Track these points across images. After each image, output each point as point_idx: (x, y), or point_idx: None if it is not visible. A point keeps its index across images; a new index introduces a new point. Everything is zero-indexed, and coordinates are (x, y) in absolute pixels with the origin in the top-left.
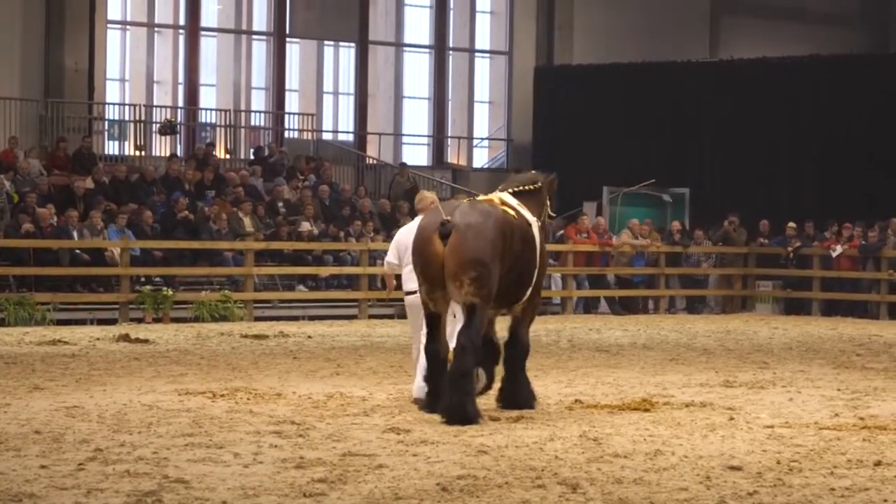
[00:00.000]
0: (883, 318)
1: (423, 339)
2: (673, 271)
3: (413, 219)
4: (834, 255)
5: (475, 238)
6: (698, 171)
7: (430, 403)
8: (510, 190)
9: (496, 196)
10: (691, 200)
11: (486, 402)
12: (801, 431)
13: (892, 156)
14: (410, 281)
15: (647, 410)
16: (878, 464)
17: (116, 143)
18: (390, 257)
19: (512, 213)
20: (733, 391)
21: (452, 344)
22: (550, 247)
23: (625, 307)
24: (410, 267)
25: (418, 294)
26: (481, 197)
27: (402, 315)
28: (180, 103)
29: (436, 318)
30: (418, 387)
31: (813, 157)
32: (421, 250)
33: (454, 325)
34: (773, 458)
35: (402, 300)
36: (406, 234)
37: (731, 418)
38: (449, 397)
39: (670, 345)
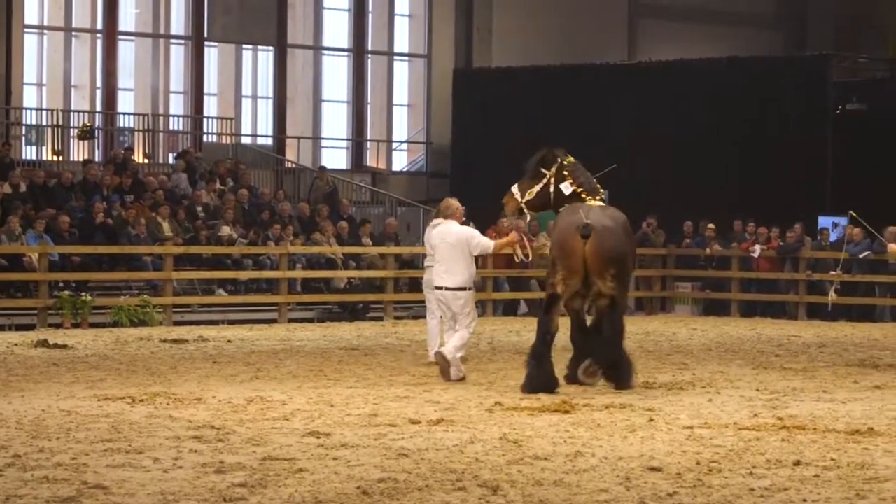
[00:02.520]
0: (801, 318)
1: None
2: None
3: (439, 220)
4: (755, 255)
5: (610, 238)
6: (617, 174)
7: (533, 376)
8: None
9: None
10: (610, 202)
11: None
12: (721, 432)
13: (810, 156)
14: (437, 277)
15: (566, 412)
16: (797, 463)
17: (34, 147)
18: (429, 261)
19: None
20: (653, 392)
21: (450, 341)
22: None
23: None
24: (438, 263)
25: (440, 291)
26: (591, 202)
27: (322, 319)
28: (98, 107)
29: (556, 298)
30: (434, 349)
31: (731, 159)
32: (563, 246)
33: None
34: (693, 458)
35: (323, 304)
36: (435, 235)
37: (651, 419)
38: (617, 370)
39: None
